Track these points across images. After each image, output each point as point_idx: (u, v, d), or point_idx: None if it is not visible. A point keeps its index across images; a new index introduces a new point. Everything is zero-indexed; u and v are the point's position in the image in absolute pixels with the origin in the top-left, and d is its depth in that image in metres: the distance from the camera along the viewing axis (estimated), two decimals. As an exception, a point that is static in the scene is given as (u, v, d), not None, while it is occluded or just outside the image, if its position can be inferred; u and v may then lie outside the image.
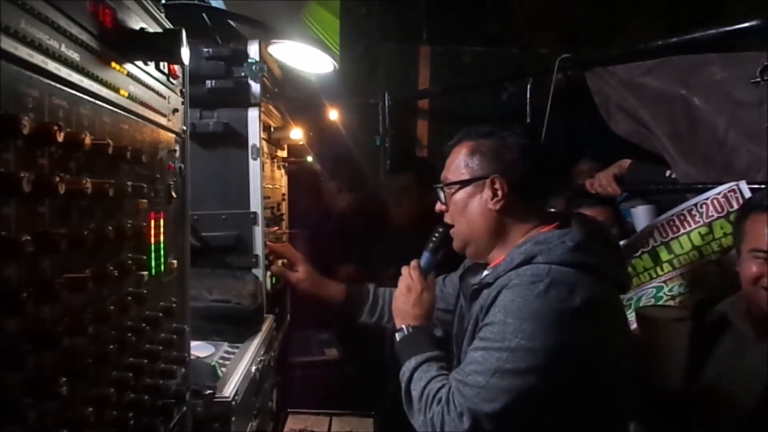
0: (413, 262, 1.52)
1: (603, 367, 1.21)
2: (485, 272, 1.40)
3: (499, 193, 1.34)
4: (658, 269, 1.88)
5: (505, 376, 1.13)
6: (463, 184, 1.39)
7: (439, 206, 1.47)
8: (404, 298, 1.46)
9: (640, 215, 2.12)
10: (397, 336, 1.43)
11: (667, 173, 2.04)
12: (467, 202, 1.39)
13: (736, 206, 1.70)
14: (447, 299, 1.69)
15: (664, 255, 1.86)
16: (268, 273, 1.76)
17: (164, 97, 0.97)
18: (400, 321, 1.45)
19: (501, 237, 1.38)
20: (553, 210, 1.53)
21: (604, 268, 1.25)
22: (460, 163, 1.40)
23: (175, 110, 1.03)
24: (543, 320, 1.14)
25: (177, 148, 1.04)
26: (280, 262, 1.90)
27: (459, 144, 1.43)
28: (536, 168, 1.37)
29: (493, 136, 1.38)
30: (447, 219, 1.46)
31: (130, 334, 0.75)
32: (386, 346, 1.54)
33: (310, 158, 2.55)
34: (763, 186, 1.70)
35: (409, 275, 1.49)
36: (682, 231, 1.82)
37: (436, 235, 1.54)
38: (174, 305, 0.95)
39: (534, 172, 1.37)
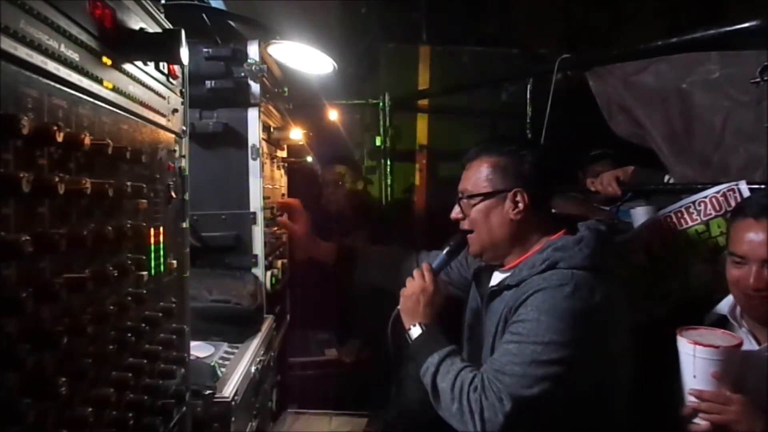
0: (425, 265, 1.59)
1: (615, 351, 1.38)
2: (503, 275, 1.52)
3: (520, 205, 1.46)
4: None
5: (540, 366, 1.26)
6: (486, 196, 1.49)
7: (455, 214, 1.56)
8: (417, 298, 1.51)
9: (640, 215, 2.13)
10: (413, 334, 1.49)
11: (666, 178, 2.03)
12: (489, 212, 1.49)
13: (734, 205, 1.70)
14: (456, 280, 1.84)
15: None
16: (268, 273, 1.76)
17: (164, 97, 0.97)
18: (412, 319, 1.50)
19: (518, 243, 1.50)
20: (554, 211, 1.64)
21: (613, 268, 1.45)
22: (481, 176, 1.50)
23: (175, 110, 1.03)
24: (571, 318, 1.29)
25: (177, 148, 1.04)
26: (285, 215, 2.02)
27: (478, 158, 1.53)
28: (551, 182, 1.55)
29: (513, 153, 1.49)
30: (464, 226, 1.55)
31: (129, 335, 0.75)
32: (389, 333, 1.58)
33: (309, 158, 2.55)
34: (762, 186, 1.70)
35: (422, 277, 1.54)
36: (679, 228, 1.82)
37: (454, 239, 1.61)
38: (173, 305, 0.95)
39: (549, 186, 1.54)
